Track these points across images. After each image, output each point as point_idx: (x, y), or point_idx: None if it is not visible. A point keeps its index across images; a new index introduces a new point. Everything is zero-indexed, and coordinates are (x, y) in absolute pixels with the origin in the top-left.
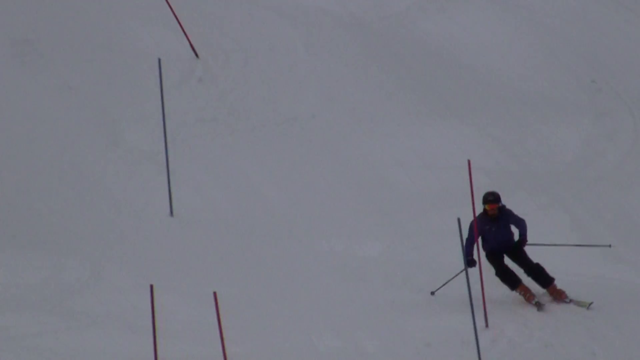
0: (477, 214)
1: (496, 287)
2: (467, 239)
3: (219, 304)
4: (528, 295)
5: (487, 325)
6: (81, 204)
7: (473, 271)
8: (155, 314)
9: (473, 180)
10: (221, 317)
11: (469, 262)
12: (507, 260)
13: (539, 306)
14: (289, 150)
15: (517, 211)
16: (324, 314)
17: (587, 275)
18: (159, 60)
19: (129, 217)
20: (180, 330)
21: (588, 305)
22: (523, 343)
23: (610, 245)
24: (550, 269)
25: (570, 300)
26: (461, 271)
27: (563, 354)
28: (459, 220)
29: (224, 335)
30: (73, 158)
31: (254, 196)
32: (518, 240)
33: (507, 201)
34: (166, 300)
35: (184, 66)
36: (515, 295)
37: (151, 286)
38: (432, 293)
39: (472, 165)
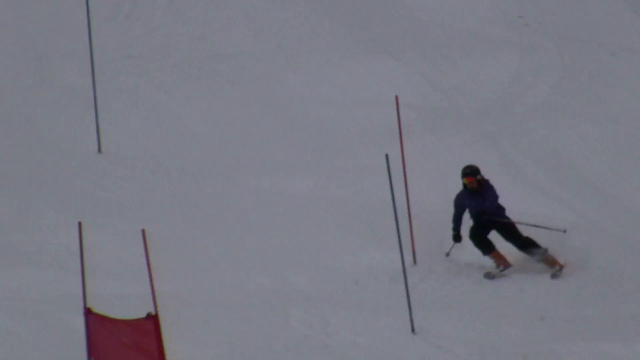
0: (460, 190)
1: (426, 226)
2: (453, 214)
3: (148, 241)
4: (499, 262)
5: (415, 262)
6: (9, 141)
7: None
8: (84, 252)
9: (401, 116)
10: (150, 254)
11: (454, 236)
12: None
13: (501, 271)
14: (217, 86)
15: (444, 146)
16: (252, 252)
17: (515, 212)
18: None
19: (57, 154)
20: (109, 268)
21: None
22: (451, 280)
23: (565, 231)
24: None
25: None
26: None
27: (492, 291)
28: (386, 156)
29: (153, 273)
30: (0, 95)
31: (182, 133)
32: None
33: (435, 138)
34: (95, 237)
35: (111, 2)
36: (442, 233)
37: (79, 223)
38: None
39: (399, 102)
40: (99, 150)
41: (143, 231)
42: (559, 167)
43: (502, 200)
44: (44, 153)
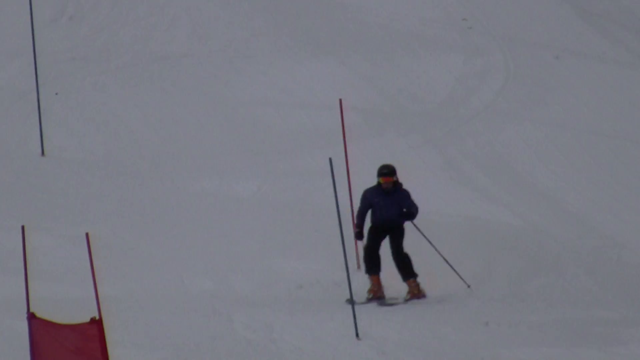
0: (369, 187)
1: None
2: (358, 209)
3: (92, 245)
4: (373, 289)
5: (359, 267)
6: None
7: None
8: (28, 255)
9: (345, 119)
10: (94, 258)
11: (357, 234)
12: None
13: (368, 300)
14: (161, 89)
15: (388, 150)
16: (196, 256)
17: (461, 216)
18: None
19: (1, 157)
20: (53, 271)
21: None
22: (395, 284)
23: (469, 286)
24: (421, 209)
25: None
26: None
27: (436, 296)
28: (330, 160)
29: (97, 277)
30: None
31: (126, 135)
32: (403, 214)
33: (379, 141)
34: (38, 241)
35: (55, 4)
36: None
37: (22, 227)
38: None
39: (343, 105)
40: (43, 153)
41: (87, 234)
42: (504, 171)
43: (445, 204)
44: None
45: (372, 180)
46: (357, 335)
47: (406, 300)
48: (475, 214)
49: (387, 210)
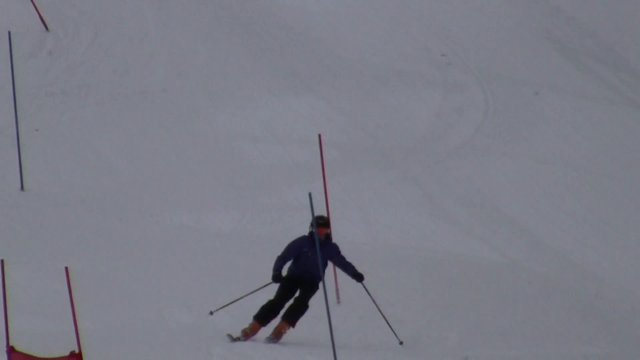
0: (302, 236)
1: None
2: (281, 255)
3: (71, 278)
4: (248, 331)
5: (339, 301)
6: None
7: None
8: (7, 289)
9: (324, 154)
10: (73, 292)
11: (275, 277)
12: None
13: (232, 338)
14: (140, 124)
15: (367, 185)
16: (175, 290)
17: (438, 251)
18: (9, 32)
19: None
20: (32, 305)
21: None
22: (374, 318)
23: (401, 343)
24: (401, 244)
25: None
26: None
27: (414, 330)
28: (310, 195)
29: (77, 311)
30: None
31: (105, 170)
32: (354, 276)
33: (358, 176)
34: (17, 274)
35: (33, 39)
36: (366, 270)
37: (1, 261)
38: (211, 313)
39: (323, 140)
40: (22, 188)
41: (66, 268)
42: (483, 206)
43: (424, 239)
44: None
45: (351, 215)
46: None
47: (267, 338)
48: (455, 250)
49: (311, 264)
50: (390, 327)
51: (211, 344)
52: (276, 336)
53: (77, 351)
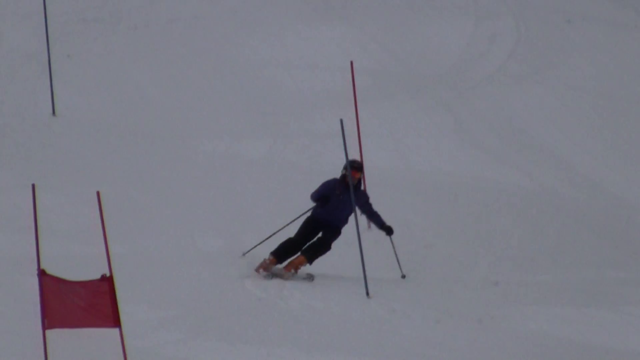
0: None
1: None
2: (315, 191)
3: (102, 203)
4: (264, 265)
5: (369, 227)
6: None
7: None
8: (38, 214)
9: (356, 81)
10: (104, 216)
11: (322, 198)
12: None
13: (266, 274)
14: (172, 51)
15: (399, 112)
16: (207, 214)
17: (468, 177)
18: None
19: (12, 116)
20: (63, 229)
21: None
22: (405, 245)
23: (403, 276)
24: (431, 170)
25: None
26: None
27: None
28: (341, 121)
29: (107, 235)
30: None
31: (137, 96)
32: (383, 228)
33: (390, 103)
34: (49, 200)
35: None
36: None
37: (33, 185)
38: (243, 254)
39: (354, 67)
40: (54, 113)
41: (97, 193)
42: (514, 133)
43: (455, 165)
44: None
45: (382, 142)
46: (367, 294)
47: (280, 271)
48: (486, 176)
49: (339, 206)
50: (397, 261)
51: (242, 268)
52: (288, 269)
53: (108, 275)
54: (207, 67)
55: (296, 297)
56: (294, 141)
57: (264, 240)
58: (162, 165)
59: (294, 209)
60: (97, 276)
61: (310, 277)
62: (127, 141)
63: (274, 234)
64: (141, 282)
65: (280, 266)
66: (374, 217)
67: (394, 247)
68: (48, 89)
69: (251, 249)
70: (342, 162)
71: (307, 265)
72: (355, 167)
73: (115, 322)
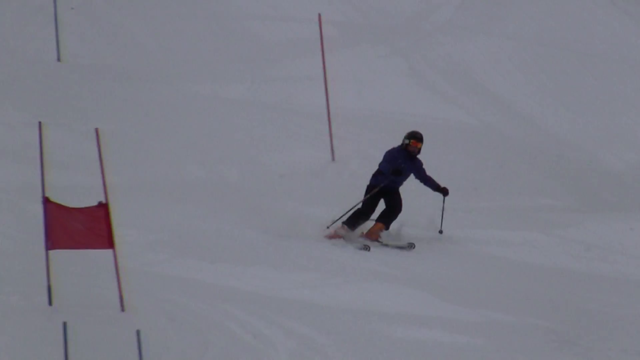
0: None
1: (344, 128)
2: (382, 167)
3: (100, 139)
4: (341, 232)
5: (333, 159)
6: None
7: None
8: (44, 148)
9: (323, 32)
10: (102, 150)
11: (395, 171)
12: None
13: (338, 235)
14: (163, 4)
15: (361, 59)
16: (191, 149)
17: (421, 115)
18: None
19: (22, 63)
20: (66, 162)
21: (408, 246)
22: (366, 175)
23: (413, 246)
24: (389, 110)
25: (385, 244)
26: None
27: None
28: (319, 15)
29: (105, 167)
30: None
31: (133, 45)
32: (439, 190)
33: (353, 51)
34: (54, 135)
35: None
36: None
37: (39, 123)
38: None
39: (322, 18)
40: (58, 59)
41: (96, 130)
42: (461, 78)
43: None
44: (10, 61)
45: (346, 85)
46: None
47: (360, 236)
48: (435, 114)
49: (401, 175)
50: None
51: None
52: (369, 236)
53: (104, 202)
54: (195, 18)
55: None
56: (270, 84)
57: (344, 215)
58: (154, 105)
59: (268, 143)
60: (95, 203)
61: (411, 246)
62: (124, 84)
63: (352, 208)
64: (133, 208)
65: (359, 236)
66: (429, 182)
67: (443, 207)
68: (54, 38)
69: (333, 223)
70: (312, 102)
71: (385, 230)
72: (417, 138)
73: (110, 244)
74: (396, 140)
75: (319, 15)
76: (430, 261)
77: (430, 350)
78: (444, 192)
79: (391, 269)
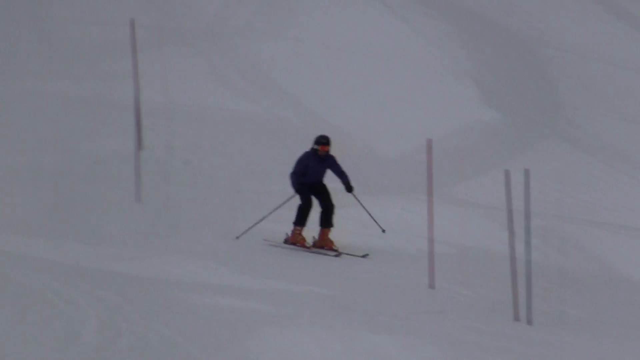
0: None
1: (150, 116)
2: (293, 172)
3: None
4: (294, 237)
5: (141, 148)
6: None
7: None
8: None
9: (134, 34)
10: None
11: (300, 189)
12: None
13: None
14: None
15: (168, 59)
16: (12, 137)
17: (216, 108)
18: None
19: None
20: None
21: (362, 255)
22: (169, 160)
23: (384, 231)
24: (193, 103)
25: (338, 254)
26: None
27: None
28: (136, 63)
29: None
30: None
31: None
32: (346, 187)
33: (160, 53)
34: None
35: None
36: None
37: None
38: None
39: (134, 23)
40: None
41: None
42: (257, 76)
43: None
44: None
45: (157, 82)
46: None
47: (310, 247)
48: (230, 107)
49: (318, 173)
50: (371, 217)
51: None
52: (326, 244)
53: None
54: (19, 23)
55: None
56: (86, 80)
57: (254, 225)
58: None
59: (85, 134)
60: None
61: (365, 256)
62: None
63: (263, 218)
64: None
65: (315, 247)
66: (342, 176)
67: (364, 207)
68: None
69: (243, 234)
70: (123, 97)
71: (332, 228)
72: (323, 143)
73: None
74: (197, 130)
75: (131, 20)
76: (226, 239)
77: (224, 315)
78: (350, 189)
79: (192, 245)
